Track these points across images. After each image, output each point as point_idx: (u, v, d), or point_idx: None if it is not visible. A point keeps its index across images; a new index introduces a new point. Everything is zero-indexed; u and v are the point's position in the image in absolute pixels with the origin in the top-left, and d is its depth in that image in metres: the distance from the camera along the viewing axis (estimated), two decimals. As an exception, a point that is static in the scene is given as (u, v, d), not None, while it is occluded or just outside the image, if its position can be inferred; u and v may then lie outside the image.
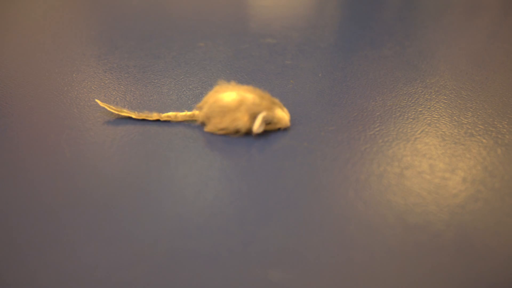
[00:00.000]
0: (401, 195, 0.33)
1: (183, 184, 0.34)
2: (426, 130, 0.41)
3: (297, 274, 0.27)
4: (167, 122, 0.42)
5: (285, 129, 0.41)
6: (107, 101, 0.45)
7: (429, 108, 0.45)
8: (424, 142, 0.39)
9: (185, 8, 0.73)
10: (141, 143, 0.39)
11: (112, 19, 0.67)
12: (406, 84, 0.49)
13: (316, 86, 0.49)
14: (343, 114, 0.43)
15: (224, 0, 0.77)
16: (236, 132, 0.39)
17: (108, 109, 0.42)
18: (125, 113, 0.41)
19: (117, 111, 0.42)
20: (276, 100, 0.40)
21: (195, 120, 0.42)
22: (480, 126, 0.42)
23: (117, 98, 0.46)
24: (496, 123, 0.42)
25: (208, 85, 0.49)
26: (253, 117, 0.38)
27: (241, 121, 0.38)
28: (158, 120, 0.42)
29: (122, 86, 0.48)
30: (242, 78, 0.50)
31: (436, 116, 0.43)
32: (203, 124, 0.41)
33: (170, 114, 0.41)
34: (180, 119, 0.41)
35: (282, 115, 0.40)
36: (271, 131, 0.41)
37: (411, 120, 0.43)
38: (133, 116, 0.41)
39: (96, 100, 0.43)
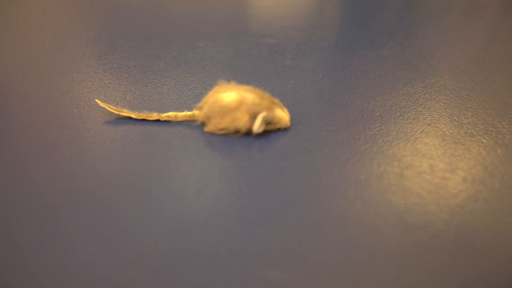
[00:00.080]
0: (401, 195, 0.33)
1: (183, 184, 0.34)
2: (426, 130, 0.41)
3: (297, 274, 0.27)
4: (167, 122, 0.42)
5: (285, 129, 0.41)
6: (107, 101, 0.45)
7: (429, 108, 0.45)
8: (424, 142, 0.39)
9: (185, 8, 0.73)
10: (141, 143, 0.39)
11: (112, 19, 0.67)
12: (406, 84, 0.49)
13: (316, 86, 0.49)
14: (343, 114, 0.43)
15: (224, 0, 0.77)
16: (236, 132, 0.39)
17: (108, 109, 0.41)
18: (125, 113, 0.41)
19: (117, 111, 0.41)
20: (276, 100, 0.40)
21: (195, 120, 0.42)
22: (480, 126, 0.42)
23: (117, 98, 0.46)
24: (496, 123, 0.42)
25: (208, 85, 0.49)
26: (253, 117, 0.38)
27: (241, 121, 0.38)
28: (158, 120, 0.42)
29: (122, 86, 0.48)
30: (242, 78, 0.50)
31: (436, 116, 0.43)
32: (203, 124, 0.41)
33: (170, 114, 0.41)
34: (180, 119, 0.41)
35: (282, 115, 0.40)
36: (271, 131, 0.41)
37: (411, 120, 0.43)
38: (133, 116, 0.41)
39: (96, 100, 0.43)
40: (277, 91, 0.48)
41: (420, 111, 0.44)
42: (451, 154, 0.38)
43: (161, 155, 0.37)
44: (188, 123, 0.42)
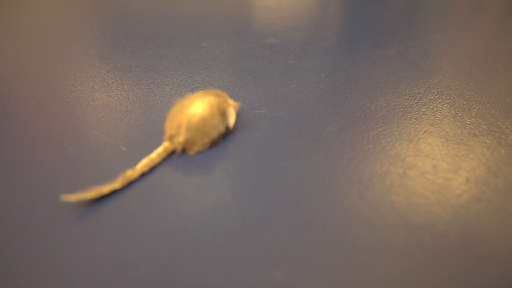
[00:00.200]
0: (404, 196, 0.33)
1: (186, 184, 0.34)
2: (429, 130, 0.41)
3: (300, 274, 0.27)
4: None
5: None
6: (110, 101, 0.45)
7: (432, 108, 0.45)
8: (427, 143, 0.39)
9: (188, 8, 0.73)
10: (144, 142, 0.39)
11: (115, 19, 0.68)
12: (409, 84, 0.49)
13: (319, 86, 0.49)
14: (346, 114, 0.43)
15: (227, 0, 0.77)
16: (218, 138, 0.38)
17: (84, 198, 0.32)
18: (106, 189, 0.33)
19: (96, 192, 0.32)
20: (220, 92, 0.39)
21: (173, 152, 0.38)
22: (484, 127, 0.42)
23: (120, 98, 0.46)
24: (499, 123, 0.42)
25: (211, 85, 0.49)
26: (222, 114, 0.38)
27: (220, 124, 0.38)
28: (143, 175, 0.35)
29: (125, 86, 0.48)
30: (244, 78, 0.50)
31: (439, 116, 0.43)
32: (184, 151, 0.38)
33: (145, 162, 0.35)
34: (157, 160, 0.36)
35: (234, 104, 0.40)
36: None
37: (414, 120, 0.43)
38: (117, 187, 0.34)
39: (64, 198, 0.32)
40: (280, 91, 0.48)
41: (423, 111, 0.44)
42: (454, 154, 0.38)
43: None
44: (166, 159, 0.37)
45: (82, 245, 0.29)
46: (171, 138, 0.37)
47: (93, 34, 0.62)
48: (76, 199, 0.32)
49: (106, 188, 0.33)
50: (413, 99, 0.46)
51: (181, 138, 0.36)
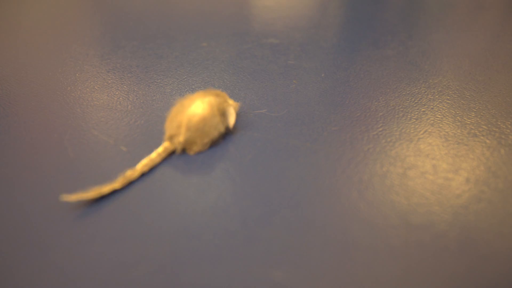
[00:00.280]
0: (404, 196, 0.33)
1: (186, 184, 0.34)
2: (429, 130, 0.41)
3: (300, 274, 0.27)
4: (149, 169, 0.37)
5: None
6: (110, 101, 0.45)
7: (432, 108, 0.45)
8: (427, 143, 0.39)
9: (188, 8, 0.73)
10: (144, 142, 0.39)
11: (115, 19, 0.67)
12: (409, 84, 0.49)
13: (319, 86, 0.49)
14: (346, 114, 0.43)
15: (227, 0, 0.77)
16: (218, 137, 0.38)
17: (84, 198, 0.32)
18: (106, 189, 0.33)
19: (96, 192, 0.32)
20: (220, 92, 0.39)
21: (173, 152, 0.38)
22: (484, 127, 0.42)
23: (120, 98, 0.46)
24: (499, 123, 0.42)
25: (211, 85, 0.49)
26: (222, 114, 0.38)
27: (220, 124, 0.38)
28: (143, 175, 0.35)
29: (125, 86, 0.48)
30: (244, 78, 0.50)
31: (439, 116, 0.43)
32: (184, 151, 0.38)
33: (145, 162, 0.35)
34: (157, 160, 0.36)
35: (234, 104, 0.40)
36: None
37: (414, 120, 0.43)
38: (117, 187, 0.33)
39: (64, 198, 0.32)
40: (280, 91, 0.48)
41: (423, 111, 0.44)
42: (454, 154, 0.38)
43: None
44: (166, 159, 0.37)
45: (82, 245, 0.29)
46: (171, 138, 0.37)
47: (93, 34, 0.62)
48: (76, 199, 0.32)
49: (106, 188, 0.33)
50: (413, 99, 0.46)
51: (181, 138, 0.36)
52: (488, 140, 0.40)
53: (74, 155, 0.37)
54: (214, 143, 0.38)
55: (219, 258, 0.28)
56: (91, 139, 0.39)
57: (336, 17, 0.70)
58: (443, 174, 0.36)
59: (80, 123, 0.41)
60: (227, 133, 0.40)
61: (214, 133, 0.37)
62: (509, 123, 0.42)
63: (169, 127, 0.37)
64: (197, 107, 0.36)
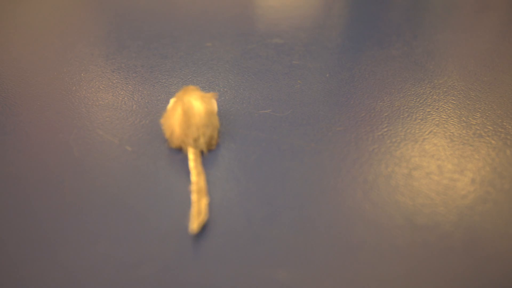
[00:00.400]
0: (409, 196, 0.33)
1: (191, 184, 0.34)
2: (434, 131, 0.41)
3: (305, 274, 0.27)
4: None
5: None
6: (115, 100, 0.45)
7: (437, 108, 0.45)
8: (432, 143, 0.39)
9: (192, 8, 0.73)
10: (149, 142, 0.39)
11: (120, 19, 0.68)
12: (414, 85, 0.49)
13: (323, 86, 0.49)
14: (351, 115, 0.43)
15: (232, 0, 0.77)
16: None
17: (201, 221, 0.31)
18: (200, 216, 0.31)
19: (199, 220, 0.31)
20: (192, 86, 0.39)
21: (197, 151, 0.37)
22: (489, 127, 0.42)
23: (125, 98, 0.46)
24: (505, 124, 0.42)
25: (215, 85, 0.49)
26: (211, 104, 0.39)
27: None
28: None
29: (130, 86, 0.48)
30: (249, 78, 0.50)
31: (445, 116, 0.43)
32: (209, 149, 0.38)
33: (195, 174, 0.34)
34: (200, 166, 0.35)
35: (212, 94, 0.40)
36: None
37: (419, 120, 0.42)
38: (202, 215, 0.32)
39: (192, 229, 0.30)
40: (284, 91, 0.48)
41: (428, 111, 0.44)
42: (459, 155, 0.38)
43: (169, 154, 0.37)
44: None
45: (86, 245, 0.29)
46: (195, 141, 0.37)
47: (98, 34, 0.62)
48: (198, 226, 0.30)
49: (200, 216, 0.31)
50: (418, 100, 0.46)
51: (204, 138, 0.37)
52: (494, 141, 0.40)
53: (79, 154, 0.37)
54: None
55: (224, 257, 0.28)
56: (96, 139, 0.39)
57: (341, 17, 0.70)
58: (448, 174, 0.36)
59: (85, 123, 0.42)
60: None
61: (218, 123, 0.39)
62: (514, 123, 0.42)
63: (180, 134, 0.37)
64: (198, 105, 0.37)
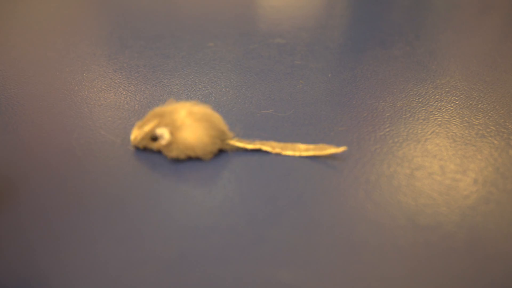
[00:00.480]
0: (411, 196, 0.33)
1: (193, 183, 0.34)
2: (437, 131, 0.41)
3: (307, 275, 0.27)
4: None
5: None
6: (117, 100, 0.45)
7: (439, 109, 0.44)
8: (435, 143, 0.39)
9: (194, 8, 0.73)
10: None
11: (122, 18, 0.68)
12: (416, 85, 0.49)
13: (325, 86, 0.49)
14: (353, 115, 0.43)
15: (234, 0, 0.77)
16: None
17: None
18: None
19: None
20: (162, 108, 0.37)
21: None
22: (492, 127, 0.42)
23: (127, 98, 0.46)
24: (508, 124, 0.42)
25: (217, 85, 0.49)
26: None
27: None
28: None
29: (132, 86, 0.48)
30: (251, 78, 0.50)
31: (447, 117, 0.43)
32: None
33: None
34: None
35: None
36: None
37: (422, 121, 0.42)
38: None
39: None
40: (286, 91, 0.48)
41: (431, 111, 0.44)
42: (462, 155, 0.38)
43: (171, 154, 0.37)
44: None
45: (88, 245, 0.29)
46: (223, 135, 0.37)
47: (100, 34, 0.62)
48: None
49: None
50: (420, 100, 0.46)
51: (230, 135, 0.37)
52: (496, 141, 0.40)
53: (81, 154, 0.37)
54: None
55: (226, 258, 0.28)
56: (98, 139, 0.39)
57: (343, 17, 0.70)
58: (450, 175, 0.35)
59: (87, 123, 0.42)
60: None
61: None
62: (517, 124, 0.42)
63: (209, 141, 0.36)
64: (199, 108, 0.36)
